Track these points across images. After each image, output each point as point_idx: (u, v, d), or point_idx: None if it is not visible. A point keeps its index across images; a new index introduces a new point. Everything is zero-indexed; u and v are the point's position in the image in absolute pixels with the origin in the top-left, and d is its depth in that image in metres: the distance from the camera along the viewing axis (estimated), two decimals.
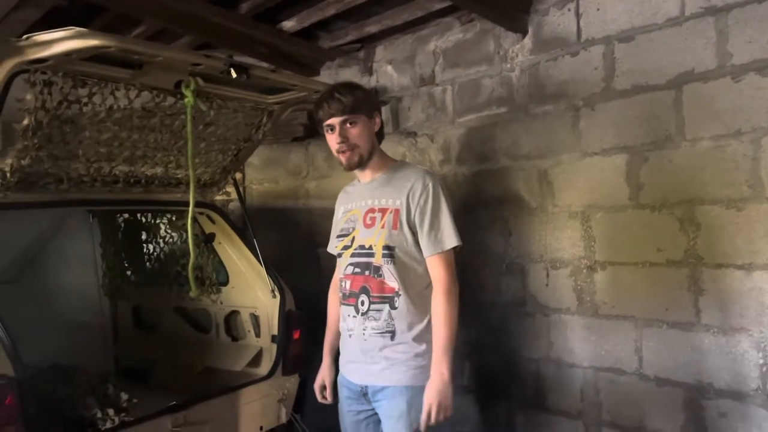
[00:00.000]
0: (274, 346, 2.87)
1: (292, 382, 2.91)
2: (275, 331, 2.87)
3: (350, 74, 3.80)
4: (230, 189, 3.13)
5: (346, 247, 2.15)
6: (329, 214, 2.43)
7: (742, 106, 2.31)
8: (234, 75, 2.07)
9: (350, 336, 2.12)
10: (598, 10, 2.73)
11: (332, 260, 2.37)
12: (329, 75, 3.82)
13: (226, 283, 3.12)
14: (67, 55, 1.74)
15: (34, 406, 1.94)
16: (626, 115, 2.64)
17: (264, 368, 2.89)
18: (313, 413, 3.00)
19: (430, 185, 2.05)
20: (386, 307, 2.04)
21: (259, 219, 3.55)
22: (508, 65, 3.08)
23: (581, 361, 2.84)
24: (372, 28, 3.35)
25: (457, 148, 3.34)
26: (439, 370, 1.93)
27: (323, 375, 2.35)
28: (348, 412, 2.18)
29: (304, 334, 2.90)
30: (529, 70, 2.99)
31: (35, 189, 2.24)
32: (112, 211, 3.43)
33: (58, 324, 3.21)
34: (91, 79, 2.00)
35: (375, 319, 2.04)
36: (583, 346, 2.83)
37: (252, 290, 2.99)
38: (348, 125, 2.05)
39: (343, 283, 2.16)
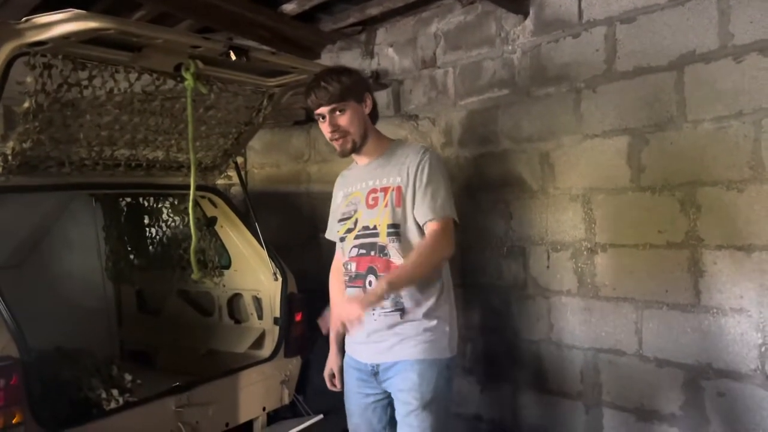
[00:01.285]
0: (277, 329, 2.90)
1: (294, 364, 2.94)
2: (277, 314, 2.90)
3: (351, 57, 3.79)
4: (232, 173, 3.13)
5: (349, 230, 2.13)
6: (331, 198, 2.42)
7: (744, 86, 2.30)
8: (233, 57, 2.07)
9: None
10: None
11: (333, 244, 2.37)
12: (330, 58, 3.81)
13: (228, 266, 3.14)
14: (66, 37, 1.74)
15: (39, 387, 1.96)
16: (628, 96, 2.63)
17: (266, 350, 2.91)
18: (315, 394, 3.03)
19: (426, 157, 2.03)
20: None
21: (260, 203, 3.56)
22: (510, 47, 3.07)
23: (582, 343, 2.86)
24: (373, 11, 3.33)
25: (458, 131, 3.34)
26: (373, 288, 1.94)
27: (331, 363, 2.34)
28: (357, 393, 2.16)
29: (306, 316, 2.92)
30: (530, 52, 2.98)
31: (37, 172, 2.25)
32: (115, 195, 3.44)
33: (62, 308, 3.23)
34: (91, 62, 1.99)
35: (383, 299, 1.99)
36: (583, 327, 2.85)
37: (254, 273, 3.00)
38: (337, 113, 2.03)
39: (348, 266, 2.14)
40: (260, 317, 3.03)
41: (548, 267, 2.96)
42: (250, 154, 4.19)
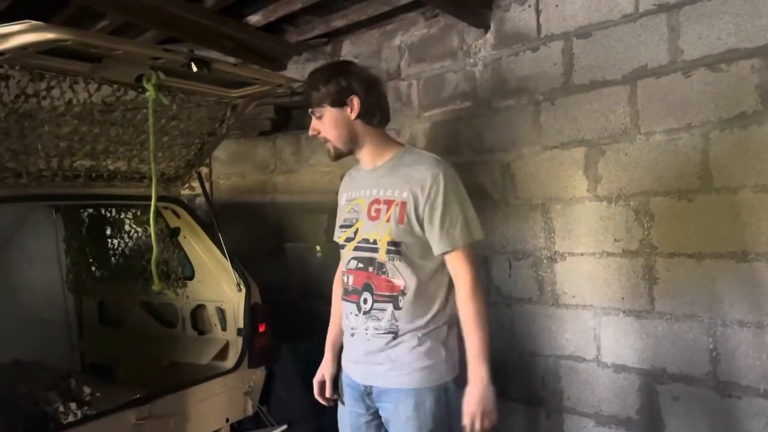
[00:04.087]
0: (240, 339, 2.89)
1: (258, 375, 2.93)
2: (241, 324, 2.89)
3: None
4: (196, 184, 3.13)
5: (349, 239, 1.98)
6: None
7: (693, 100, 2.39)
8: (195, 69, 2.07)
9: (353, 335, 1.97)
10: (557, 6, 2.79)
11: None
12: (296, 69, 3.83)
13: (191, 277, 3.12)
14: (24, 48, 1.73)
15: None
16: (584, 109, 2.71)
17: (230, 361, 2.90)
18: (279, 405, 3.02)
19: (441, 176, 1.84)
20: (390, 306, 1.88)
21: (226, 213, 3.56)
22: (471, 60, 3.13)
23: (542, 350, 2.91)
24: (338, 23, 3.36)
25: (422, 142, 3.38)
26: (478, 375, 1.79)
27: (323, 370, 2.15)
28: (351, 412, 2.04)
29: (269, 327, 2.92)
30: (491, 65, 3.05)
31: None
32: (76, 206, 3.40)
33: (21, 321, 3.18)
34: (50, 73, 1.98)
35: (377, 319, 1.89)
36: (544, 335, 2.90)
37: (218, 284, 2.99)
38: (315, 118, 1.94)
39: (345, 278, 1.99)
40: (224, 328, 3.01)
41: (510, 275, 3.02)
42: (215, 164, 4.18)
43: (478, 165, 3.10)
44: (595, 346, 2.73)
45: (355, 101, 1.90)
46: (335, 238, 2.13)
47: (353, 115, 1.91)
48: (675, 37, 2.43)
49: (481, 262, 3.11)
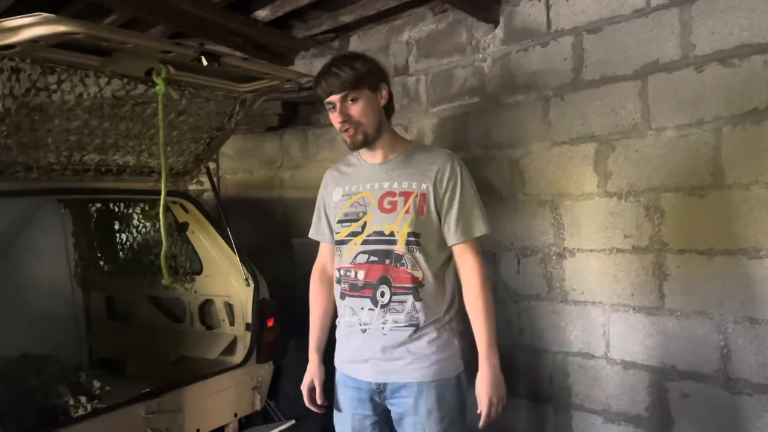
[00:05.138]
0: (248, 334, 2.89)
1: (266, 370, 2.93)
2: (249, 320, 2.89)
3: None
4: (204, 178, 3.13)
5: (354, 233, 1.94)
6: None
7: (705, 95, 2.37)
8: (205, 63, 2.06)
9: (364, 331, 1.91)
10: (567, 1, 2.77)
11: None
12: (303, 65, 3.82)
13: (199, 272, 3.13)
14: (35, 41, 1.72)
15: (5, 394, 1.94)
16: (594, 105, 2.69)
17: (238, 356, 2.91)
18: (287, 400, 3.03)
19: (458, 169, 1.91)
20: (410, 298, 1.87)
21: (233, 209, 3.56)
22: (480, 55, 3.12)
23: (551, 347, 2.90)
24: (346, 18, 3.36)
25: (430, 137, 3.37)
26: (490, 361, 1.84)
27: (312, 375, 2.09)
28: (354, 415, 1.98)
29: (278, 321, 2.92)
30: (500, 60, 3.03)
31: (4, 177, 2.22)
32: (84, 200, 3.41)
33: (30, 315, 3.19)
34: (60, 66, 1.98)
35: (397, 312, 1.87)
36: (552, 331, 2.89)
37: (226, 279, 3.00)
38: (349, 102, 1.86)
39: (350, 273, 1.94)
40: (232, 323, 3.02)
41: (518, 272, 3.01)
42: (222, 159, 4.19)
43: (487, 161, 3.09)
44: (604, 342, 2.72)
45: (385, 89, 1.92)
46: (316, 235, 2.14)
47: (383, 102, 1.92)
48: (687, 32, 2.42)
49: (489, 258, 3.11)
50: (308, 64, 3.83)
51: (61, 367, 2.76)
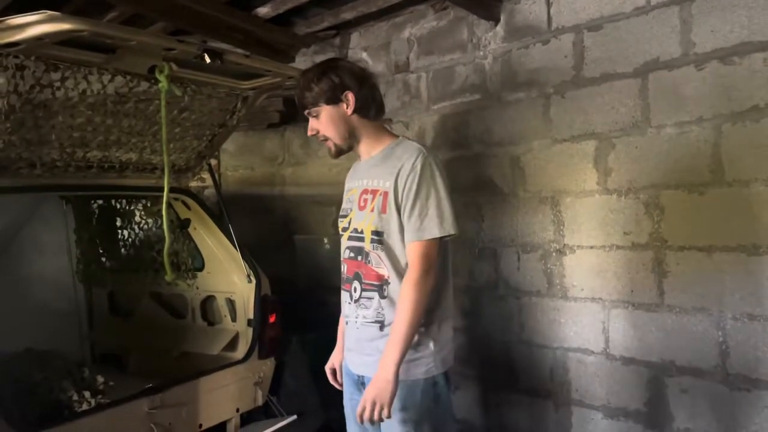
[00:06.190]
0: (250, 330, 2.90)
1: (268, 365, 2.95)
2: (251, 316, 2.91)
3: None
4: (206, 175, 3.13)
5: (344, 229, 2.02)
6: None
7: (705, 93, 2.39)
8: (208, 60, 2.07)
9: (347, 323, 2.01)
10: None
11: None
12: (305, 61, 3.83)
13: (201, 268, 3.14)
14: (40, 39, 1.74)
15: (9, 389, 1.95)
16: (595, 102, 2.71)
17: (240, 352, 2.92)
18: (289, 396, 3.04)
19: (418, 166, 1.85)
20: (376, 295, 1.90)
21: (234, 205, 3.57)
22: (481, 53, 3.13)
23: (551, 342, 2.92)
24: (347, 15, 3.36)
25: (431, 135, 3.39)
26: (385, 362, 1.77)
27: (333, 358, 2.20)
28: (351, 399, 2.05)
29: (279, 318, 2.93)
30: (501, 58, 3.04)
31: (7, 174, 2.24)
32: (87, 197, 3.42)
33: (31, 311, 3.20)
34: (64, 64, 1.99)
35: (366, 308, 1.91)
36: (552, 327, 2.91)
37: (228, 275, 3.01)
38: (312, 117, 1.96)
39: (343, 267, 2.03)
40: (234, 319, 3.03)
41: (519, 268, 3.02)
42: (224, 156, 4.20)
43: (488, 158, 3.11)
44: (604, 338, 2.74)
45: (350, 96, 1.93)
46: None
47: (350, 111, 1.94)
48: (687, 29, 2.43)
49: (490, 255, 3.12)
50: (309, 61, 3.83)
51: (65, 362, 2.78)
